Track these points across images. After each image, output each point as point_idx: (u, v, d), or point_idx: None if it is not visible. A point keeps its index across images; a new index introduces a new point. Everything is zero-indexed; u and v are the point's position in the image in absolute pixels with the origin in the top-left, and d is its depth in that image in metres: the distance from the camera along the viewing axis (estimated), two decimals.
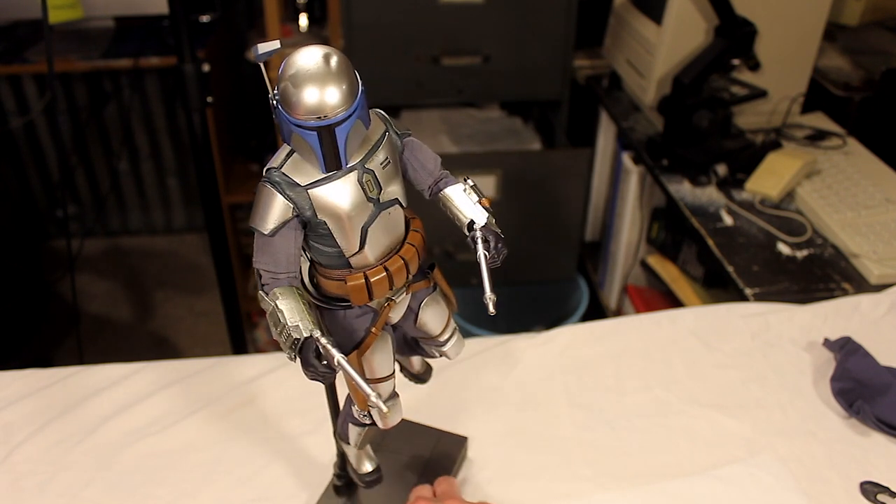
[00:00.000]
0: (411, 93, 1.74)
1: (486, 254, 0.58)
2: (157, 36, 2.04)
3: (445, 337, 0.67)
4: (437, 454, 0.80)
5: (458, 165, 1.66)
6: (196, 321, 2.33)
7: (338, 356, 0.52)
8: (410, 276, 0.59)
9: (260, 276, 0.55)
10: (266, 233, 0.53)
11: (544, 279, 1.90)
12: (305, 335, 0.52)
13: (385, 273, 0.57)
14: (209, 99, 1.28)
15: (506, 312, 2.17)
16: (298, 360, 0.53)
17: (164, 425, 0.87)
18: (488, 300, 0.56)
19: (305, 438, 0.85)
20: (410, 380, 0.78)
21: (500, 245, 0.59)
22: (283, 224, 0.53)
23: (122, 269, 2.54)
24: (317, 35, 2.08)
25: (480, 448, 0.83)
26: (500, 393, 0.91)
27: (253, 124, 2.36)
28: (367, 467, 0.73)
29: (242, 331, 1.59)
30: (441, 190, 0.60)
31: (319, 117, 0.49)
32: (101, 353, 2.14)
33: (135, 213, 2.64)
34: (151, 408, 0.89)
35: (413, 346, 0.70)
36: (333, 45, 2.08)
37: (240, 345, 1.58)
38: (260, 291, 0.55)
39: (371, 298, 0.57)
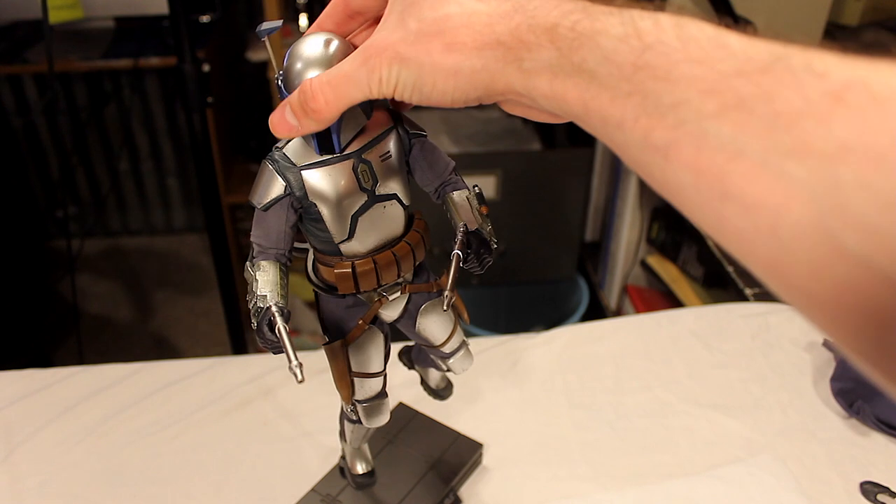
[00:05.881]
0: None
1: (460, 253, 0.57)
2: (157, 36, 2.04)
3: (449, 349, 0.66)
4: (449, 455, 0.80)
5: (458, 165, 1.66)
6: (196, 321, 2.33)
7: (280, 323, 0.52)
8: (402, 275, 0.59)
9: (252, 249, 0.57)
10: (260, 207, 0.55)
11: (544, 279, 1.90)
12: (267, 305, 0.53)
13: (373, 265, 0.57)
14: (209, 99, 1.28)
15: (506, 312, 2.17)
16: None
17: (164, 425, 0.87)
18: (444, 297, 0.56)
19: (306, 439, 0.85)
20: (429, 394, 0.77)
21: (482, 251, 0.57)
22: (276, 201, 0.54)
23: (122, 269, 2.53)
24: None
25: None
26: (500, 393, 0.91)
27: (253, 124, 2.36)
28: (359, 469, 0.74)
29: (242, 331, 1.59)
30: (447, 193, 0.60)
31: None
32: (101, 353, 2.14)
33: (135, 213, 2.64)
34: (151, 408, 0.89)
35: (426, 356, 0.69)
36: None
37: (240, 345, 1.58)
38: (248, 262, 0.56)
39: (357, 289, 0.57)
